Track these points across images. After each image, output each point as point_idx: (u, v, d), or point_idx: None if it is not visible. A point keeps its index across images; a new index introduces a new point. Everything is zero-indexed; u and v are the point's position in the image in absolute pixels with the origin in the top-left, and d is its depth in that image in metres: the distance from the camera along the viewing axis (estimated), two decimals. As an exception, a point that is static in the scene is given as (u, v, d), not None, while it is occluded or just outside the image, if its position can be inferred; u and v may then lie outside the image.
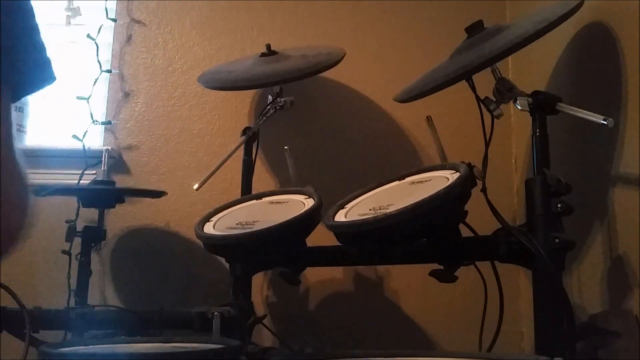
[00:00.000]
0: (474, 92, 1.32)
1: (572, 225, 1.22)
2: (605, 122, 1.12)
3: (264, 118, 1.66)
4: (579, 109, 1.19)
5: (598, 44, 1.39)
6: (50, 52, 0.56)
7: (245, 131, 1.63)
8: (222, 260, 1.62)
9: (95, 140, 1.91)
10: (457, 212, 1.17)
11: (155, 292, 1.80)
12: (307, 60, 1.63)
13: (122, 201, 1.69)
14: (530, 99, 1.24)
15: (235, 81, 1.67)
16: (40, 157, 1.86)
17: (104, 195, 1.66)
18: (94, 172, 1.77)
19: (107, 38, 1.98)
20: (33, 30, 0.53)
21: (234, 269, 1.45)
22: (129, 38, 1.99)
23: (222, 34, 1.98)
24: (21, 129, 1.91)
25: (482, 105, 1.31)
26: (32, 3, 0.53)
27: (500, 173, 1.82)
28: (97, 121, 1.88)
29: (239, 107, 1.93)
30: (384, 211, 1.11)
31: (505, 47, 1.18)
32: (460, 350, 1.64)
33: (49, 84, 0.56)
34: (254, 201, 1.46)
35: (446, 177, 1.17)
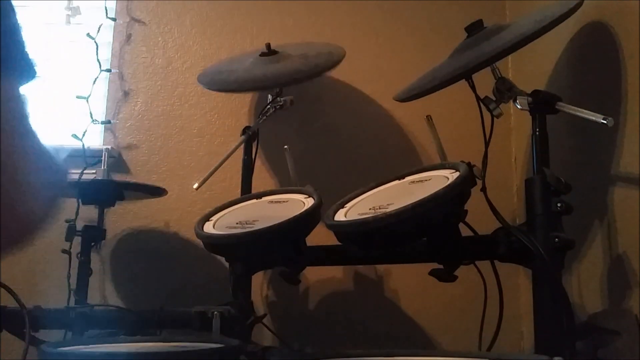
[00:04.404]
0: (473, 91, 1.32)
1: (572, 225, 1.22)
2: (605, 122, 1.12)
3: (264, 117, 1.66)
4: (579, 109, 1.19)
5: (598, 43, 1.39)
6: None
7: (245, 130, 1.63)
8: (222, 259, 1.62)
9: (95, 139, 1.91)
10: (456, 212, 1.17)
11: (155, 292, 1.79)
12: (307, 62, 1.63)
13: (122, 198, 1.69)
14: (530, 99, 1.24)
15: (236, 83, 1.67)
16: (40, 157, 1.85)
17: (104, 191, 1.66)
18: (94, 171, 1.77)
19: (106, 37, 1.97)
20: (16, 28, 0.53)
21: (233, 268, 1.45)
22: (129, 37, 1.99)
23: (221, 33, 1.98)
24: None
25: (481, 105, 1.31)
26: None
27: (500, 172, 1.82)
28: (96, 120, 1.88)
29: (239, 107, 1.93)
30: (383, 210, 1.11)
31: (505, 46, 1.18)
32: (460, 349, 1.64)
33: (32, 79, 0.56)
34: (254, 200, 1.46)
35: (446, 177, 1.17)
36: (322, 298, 1.82)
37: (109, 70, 1.94)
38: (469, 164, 1.18)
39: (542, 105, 1.23)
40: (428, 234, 1.19)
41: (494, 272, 1.27)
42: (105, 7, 1.95)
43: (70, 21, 2.00)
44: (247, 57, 1.74)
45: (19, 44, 0.53)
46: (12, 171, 0.51)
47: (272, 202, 1.42)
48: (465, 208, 1.18)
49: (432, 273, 1.20)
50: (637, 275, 1.19)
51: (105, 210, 1.71)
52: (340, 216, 1.21)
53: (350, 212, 1.22)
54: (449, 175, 1.17)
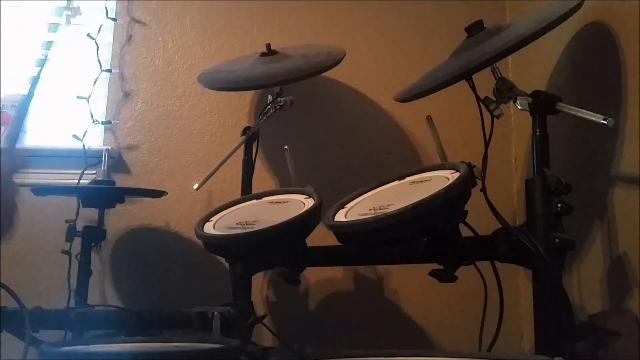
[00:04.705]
0: (474, 91, 1.32)
1: (572, 225, 1.22)
2: (605, 122, 1.12)
3: (264, 118, 1.66)
4: (579, 109, 1.19)
5: (598, 43, 1.39)
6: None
7: (245, 131, 1.63)
8: (222, 260, 1.62)
9: (95, 140, 1.91)
10: (457, 212, 1.17)
11: (155, 292, 1.80)
12: (307, 61, 1.63)
13: (122, 201, 1.69)
14: (530, 99, 1.24)
15: (236, 81, 1.67)
16: (40, 157, 1.86)
17: (104, 195, 1.66)
18: (94, 171, 1.77)
19: (107, 37, 1.97)
20: None
21: (234, 268, 1.45)
22: (129, 37, 1.99)
23: (222, 34, 1.98)
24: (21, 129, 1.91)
25: (482, 105, 1.31)
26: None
27: (500, 173, 1.82)
28: (97, 121, 1.88)
29: (239, 107, 1.93)
30: (384, 211, 1.11)
31: (505, 46, 1.18)
32: (460, 350, 1.64)
33: None
34: (254, 201, 1.46)
35: (446, 177, 1.17)
36: (323, 298, 1.82)
37: (109, 71, 1.94)
38: (469, 165, 1.18)
39: (542, 105, 1.23)
40: (428, 234, 1.19)
41: (494, 272, 1.27)
42: (106, 8, 1.95)
43: (71, 21, 2.00)
44: (247, 58, 1.74)
45: None
46: None
47: (272, 202, 1.42)
48: (465, 208, 1.18)
49: (432, 273, 1.20)
50: (638, 276, 1.19)
51: (105, 210, 1.71)
52: (340, 217, 1.21)
53: (351, 212, 1.22)
54: (449, 176, 1.17)
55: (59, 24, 2.01)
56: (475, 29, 1.36)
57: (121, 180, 1.86)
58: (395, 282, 1.81)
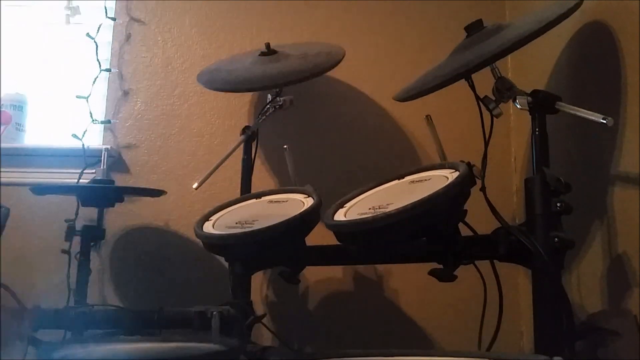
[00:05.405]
0: (473, 91, 1.32)
1: (571, 225, 1.22)
2: (604, 121, 1.12)
3: (264, 117, 1.66)
4: (579, 108, 1.19)
5: (598, 43, 1.38)
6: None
7: (244, 130, 1.63)
8: (222, 259, 1.62)
9: (95, 139, 1.91)
10: (456, 211, 1.17)
11: (154, 292, 1.79)
12: (307, 61, 1.62)
13: (121, 200, 1.69)
14: (529, 98, 1.24)
15: (236, 83, 1.67)
16: (40, 156, 1.86)
17: (103, 194, 1.66)
18: (93, 171, 1.77)
19: (106, 37, 1.97)
20: None
21: (233, 268, 1.45)
22: (128, 37, 1.99)
23: (221, 33, 1.98)
24: (20, 127, 1.91)
25: (481, 105, 1.31)
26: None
27: (499, 172, 1.82)
28: (96, 120, 1.88)
29: (239, 106, 1.93)
30: (383, 210, 1.11)
31: (504, 46, 1.18)
32: (459, 349, 1.64)
33: None
34: (254, 200, 1.46)
35: (445, 176, 1.17)
36: (322, 298, 1.82)
37: (108, 70, 1.94)
38: (468, 164, 1.18)
39: (541, 104, 1.23)
40: (428, 233, 1.19)
41: (493, 272, 1.27)
42: (105, 7, 1.95)
43: (70, 21, 2.01)
44: (247, 56, 1.74)
45: None
46: None
47: (271, 201, 1.42)
48: (464, 208, 1.18)
49: (432, 273, 1.20)
50: (637, 275, 1.19)
51: (104, 210, 1.71)
52: (339, 216, 1.21)
53: (350, 212, 1.22)
54: (449, 175, 1.17)
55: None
56: (474, 28, 1.36)
57: (121, 180, 1.86)
58: (394, 282, 1.81)
